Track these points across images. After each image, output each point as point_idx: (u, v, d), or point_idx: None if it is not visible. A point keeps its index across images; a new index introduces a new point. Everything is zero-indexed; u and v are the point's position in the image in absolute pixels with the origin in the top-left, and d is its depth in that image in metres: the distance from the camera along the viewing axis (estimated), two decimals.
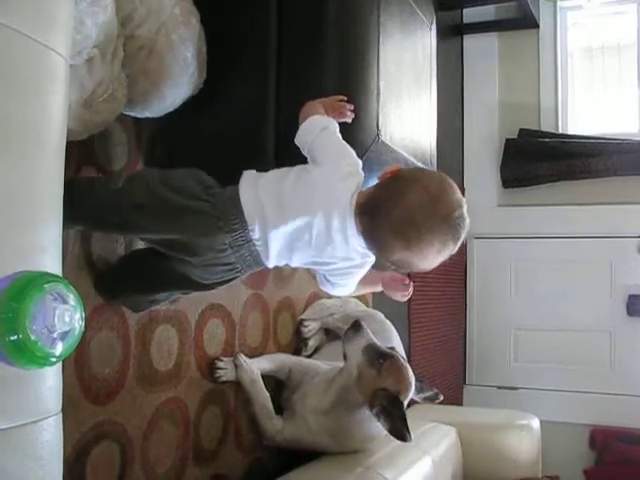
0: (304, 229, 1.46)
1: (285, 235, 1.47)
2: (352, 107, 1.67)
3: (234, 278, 1.55)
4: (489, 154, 4.49)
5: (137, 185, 1.53)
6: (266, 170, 1.58)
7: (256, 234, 1.46)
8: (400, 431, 1.93)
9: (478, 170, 4.52)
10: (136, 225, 1.51)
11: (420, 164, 2.11)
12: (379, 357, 2.04)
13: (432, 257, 1.37)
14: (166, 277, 1.59)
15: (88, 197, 1.55)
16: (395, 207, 1.34)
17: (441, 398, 2.20)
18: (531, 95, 4.45)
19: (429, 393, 2.16)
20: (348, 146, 1.56)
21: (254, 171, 1.54)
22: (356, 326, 2.11)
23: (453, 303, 4.42)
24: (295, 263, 1.55)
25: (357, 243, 1.45)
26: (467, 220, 1.36)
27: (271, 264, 1.54)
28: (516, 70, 4.52)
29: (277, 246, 1.48)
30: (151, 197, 1.48)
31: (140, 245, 1.81)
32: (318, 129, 1.55)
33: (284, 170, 1.53)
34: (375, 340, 2.11)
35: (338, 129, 1.59)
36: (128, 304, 1.83)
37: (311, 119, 1.57)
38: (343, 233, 1.44)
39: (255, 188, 1.49)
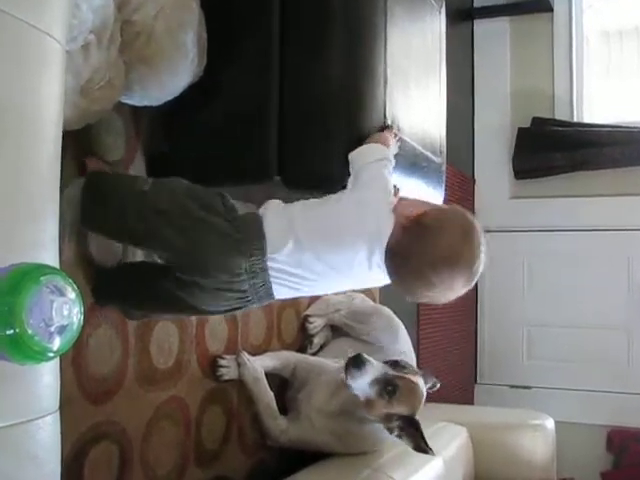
0: (345, 262, 1.51)
1: (320, 262, 1.50)
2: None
3: (239, 308, 1.59)
4: (501, 144, 4.48)
5: (162, 191, 1.57)
6: (268, 163, 1.60)
7: (277, 263, 1.49)
8: (424, 449, 2.01)
9: (489, 161, 4.51)
10: (156, 234, 1.53)
11: (429, 154, 2.11)
12: (388, 386, 2.04)
13: (451, 296, 1.51)
14: (167, 302, 1.61)
15: (111, 197, 1.59)
16: (420, 257, 1.44)
17: (438, 386, 2.23)
18: (545, 82, 4.44)
19: (430, 383, 2.18)
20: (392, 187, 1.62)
21: (279, 201, 1.59)
22: (358, 362, 2.06)
23: (464, 299, 4.40)
24: (315, 291, 1.64)
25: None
26: (484, 261, 1.48)
27: (284, 295, 1.58)
28: (529, 56, 4.51)
29: (300, 277, 1.52)
30: (174, 205, 1.52)
31: (138, 257, 1.83)
32: (380, 156, 1.63)
33: (319, 199, 1.59)
34: (380, 368, 2.08)
35: (392, 166, 1.67)
36: (120, 311, 1.85)
37: (377, 145, 1.67)
38: (382, 268, 1.49)
39: (284, 215, 1.53)
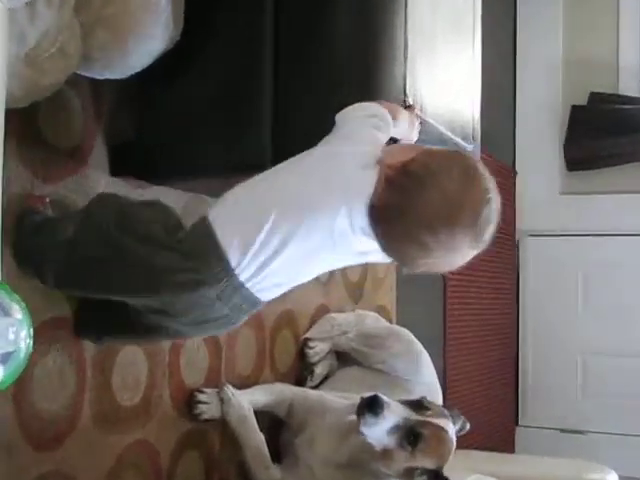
0: (325, 230, 1.49)
1: (300, 249, 1.50)
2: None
3: (226, 328, 1.64)
4: (549, 126, 4.49)
5: (90, 232, 1.58)
6: (260, 149, 1.62)
7: (250, 268, 1.49)
8: None
9: (535, 147, 4.51)
10: (99, 287, 1.57)
11: (459, 140, 2.11)
12: (410, 434, 2.04)
13: (455, 261, 1.50)
14: (148, 332, 1.67)
15: (36, 253, 1.64)
16: (409, 215, 1.43)
17: (467, 427, 2.23)
18: (606, 49, 4.44)
19: (458, 425, 2.18)
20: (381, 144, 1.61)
21: (224, 195, 1.57)
22: (375, 407, 2.04)
23: (502, 319, 4.42)
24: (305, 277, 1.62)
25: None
26: (496, 212, 1.45)
27: (273, 295, 1.60)
28: (587, 15, 4.52)
29: (286, 268, 1.52)
30: (108, 248, 1.53)
31: None
32: (372, 112, 1.62)
33: (287, 161, 1.58)
34: (401, 411, 2.07)
35: (390, 131, 1.65)
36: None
37: (371, 103, 1.65)
38: (367, 233, 1.49)
39: (244, 200, 1.54)
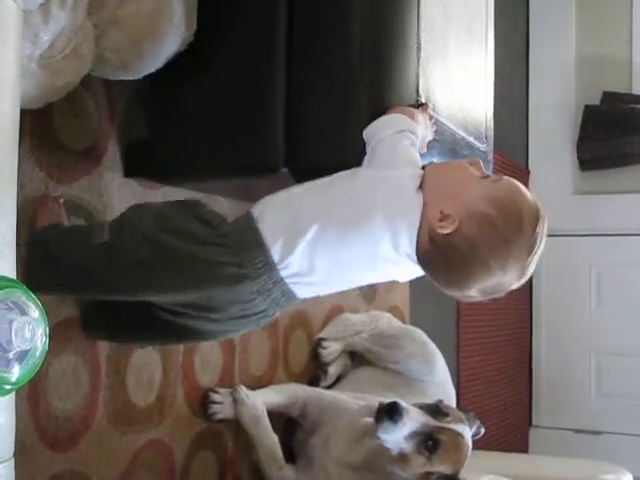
0: (367, 253, 1.52)
1: (341, 263, 1.53)
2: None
3: (261, 323, 1.64)
4: (562, 126, 4.48)
5: (131, 237, 1.56)
6: (274, 151, 1.63)
7: (291, 268, 1.51)
8: None
9: (547, 147, 4.50)
10: (139, 288, 1.56)
11: (472, 139, 2.11)
12: (428, 440, 2.04)
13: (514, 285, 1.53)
14: (168, 331, 1.66)
15: (66, 258, 1.61)
16: (454, 276, 1.49)
17: (482, 432, 2.22)
18: (620, 48, 4.43)
19: (473, 430, 2.18)
20: (419, 161, 1.62)
21: (272, 195, 1.59)
22: (394, 414, 2.04)
23: (515, 319, 4.41)
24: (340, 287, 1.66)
25: None
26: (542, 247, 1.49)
27: (307, 295, 1.61)
28: (600, 15, 4.50)
29: (324, 275, 1.55)
30: (153, 249, 1.53)
31: None
32: (401, 127, 1.63)
33: (327, 179, 1.59)
34: (419, 417, 2.07)
35: (419, 142, 1.67)
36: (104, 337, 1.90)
37: (396, 115, 1.67)
38: (412, 259, 1.51)
39: (288, 208, 1.55)
